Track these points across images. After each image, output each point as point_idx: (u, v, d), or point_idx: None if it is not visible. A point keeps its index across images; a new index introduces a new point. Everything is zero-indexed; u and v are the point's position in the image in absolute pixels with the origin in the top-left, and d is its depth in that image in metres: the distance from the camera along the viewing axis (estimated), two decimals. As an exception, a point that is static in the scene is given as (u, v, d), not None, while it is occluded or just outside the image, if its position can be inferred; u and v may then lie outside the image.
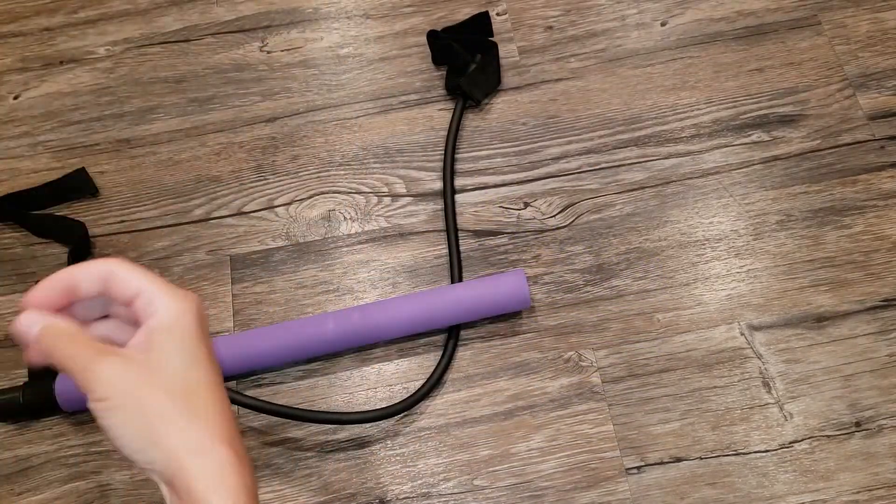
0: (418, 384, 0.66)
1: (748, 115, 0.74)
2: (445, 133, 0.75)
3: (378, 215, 0.73)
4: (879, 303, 0.66)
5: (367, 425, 0.65)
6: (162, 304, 0.40)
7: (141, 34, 0.83)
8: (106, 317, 0.44)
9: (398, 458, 0.64)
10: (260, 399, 0.63)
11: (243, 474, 0.38)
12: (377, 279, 0.70)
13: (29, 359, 0.41)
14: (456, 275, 0.68)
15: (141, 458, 0.38)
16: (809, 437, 0.62)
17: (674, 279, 0.68)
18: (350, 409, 0.65)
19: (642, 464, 0.62)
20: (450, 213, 0.71)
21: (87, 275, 0.41)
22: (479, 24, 0.78)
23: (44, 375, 0.66)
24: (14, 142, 0.78)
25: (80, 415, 0.66)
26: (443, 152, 0.74)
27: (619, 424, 0.63)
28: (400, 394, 0.66)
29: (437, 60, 0.78)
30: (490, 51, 0.77)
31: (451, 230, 0.70)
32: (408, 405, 0.64)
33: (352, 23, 0.82)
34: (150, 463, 0.38)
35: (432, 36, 0.77)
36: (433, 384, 0.65)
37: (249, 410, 0.64)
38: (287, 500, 0.63)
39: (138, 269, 0.41)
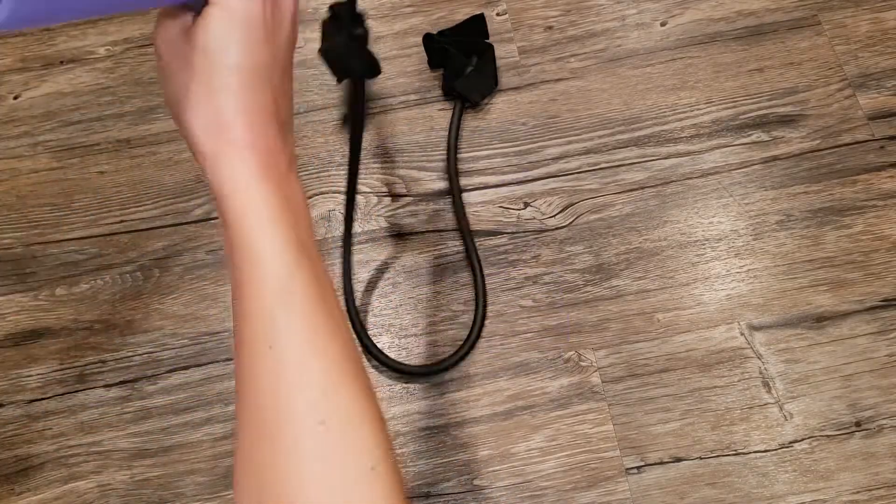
0: (419, 384, 0.66)
1: (748, 115, 0.74)
2: (445, 133, 0.75)
3: (378, 215, 0.73)
4: (879, 303, 0.66)
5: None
6: None
7: (141, 34, 0.83)
8: None
9: (398, 457, 0.64)
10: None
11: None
12: (377, 279, 0.70)
13: None
14: (479, 277, 0.69)
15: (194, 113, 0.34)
16: (809, 437, 0.62)
17: (674, 279, 0.68)
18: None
19: (642, 464, 0.62)
20: (461, 214, 0.71)
21: None
22: (476, 27, 0.78)
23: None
24: (14, 142, 0.78)
25: (81, 413, 0.66)
26: (445, 156, 0.74)
27: (618, 424, 0.63)
28: (400, 393, 0.66)
29: (434, 64, 0.78)
30: (486, 53, 0.77)
31: (467, 234, 0.70)
32: (455, 361, 0.65)
33: (352, 23, 0.82)
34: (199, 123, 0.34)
35: (428, 39, 0.77)
36: (474, 339, 0.66)
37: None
38: (287, 499, 0.63)
39: None
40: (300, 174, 0.75)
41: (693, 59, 0.77)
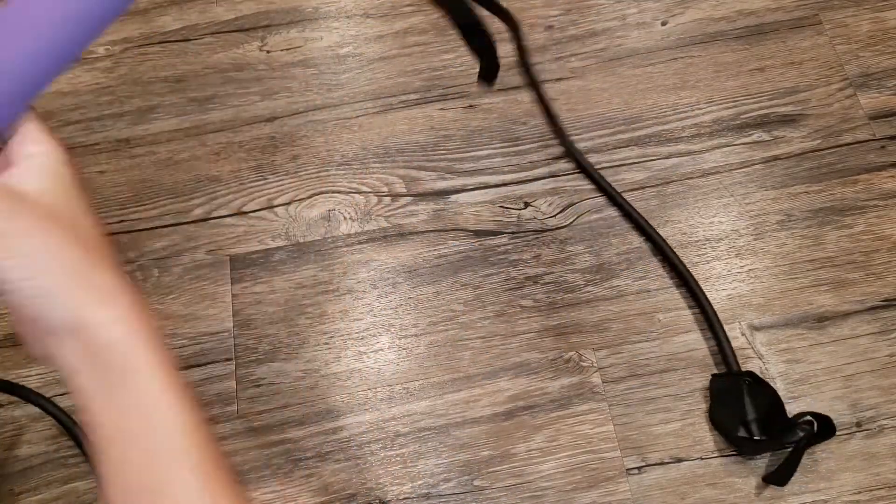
0: (419, 384, 0.66)
1: (749, 114, 0.74)
2: (446, 133, 0.75)
3: (378, 215, 0.73)
4: (880, 303, 0.66)
5: (364, 422, 0.64)
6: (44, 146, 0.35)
7: (140, 33, 0.83)
8: None
9: (398, 458, 0.64)
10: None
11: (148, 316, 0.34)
12: (377, 279, 0.70)
13: None
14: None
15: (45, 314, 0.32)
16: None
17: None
18: (350, 409, 0.65)
19: (643, 464, 0.62)
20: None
21: None
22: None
23: None
24: (13, 141, 0.78)
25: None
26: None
27: (619, 425, 0.63)
28: (399, 394, 0.66)
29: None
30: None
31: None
32: None
33: (351, 22, 0.82)
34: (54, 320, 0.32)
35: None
36: None
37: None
38: (287, 500, 0.62)
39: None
40: (300, 173, 0.75)
41: (694, 58, 0.77)
